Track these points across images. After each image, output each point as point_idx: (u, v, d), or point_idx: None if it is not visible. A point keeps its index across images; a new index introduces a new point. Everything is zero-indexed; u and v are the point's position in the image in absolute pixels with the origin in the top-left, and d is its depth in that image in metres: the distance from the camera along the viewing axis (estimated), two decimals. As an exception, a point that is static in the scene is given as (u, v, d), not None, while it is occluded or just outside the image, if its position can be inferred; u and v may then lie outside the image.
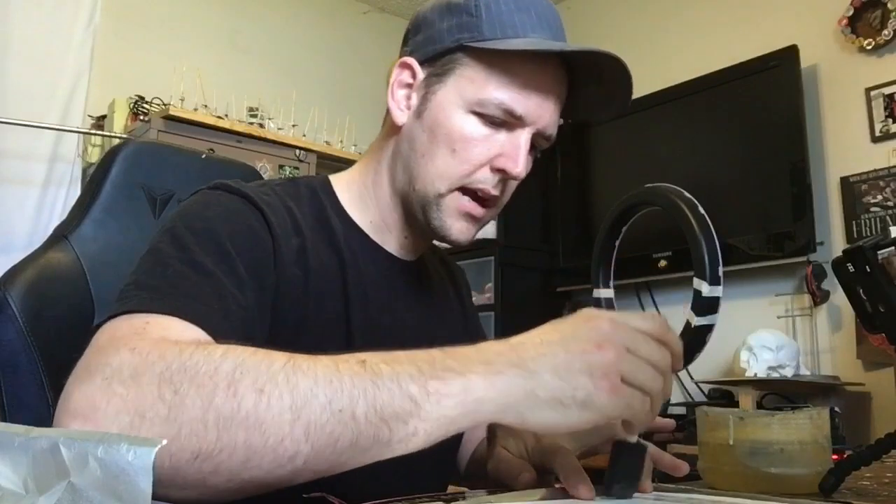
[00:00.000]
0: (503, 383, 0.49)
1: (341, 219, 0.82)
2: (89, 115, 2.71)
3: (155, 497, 0.35)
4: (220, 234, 0.68)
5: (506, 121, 0.76)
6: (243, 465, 0.45)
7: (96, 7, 2.68)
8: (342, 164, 3.15)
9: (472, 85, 0.76)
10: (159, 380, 0.47)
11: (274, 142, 2.87)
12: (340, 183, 0.86)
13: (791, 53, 2.47)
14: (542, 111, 0.76)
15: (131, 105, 2.70)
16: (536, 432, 0.71)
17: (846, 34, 2.49)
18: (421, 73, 0.80)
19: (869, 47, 2.44)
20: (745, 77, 2.58)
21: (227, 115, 2.81)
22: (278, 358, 0.48)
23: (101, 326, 0.58)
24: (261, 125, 2.89)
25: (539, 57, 0.76)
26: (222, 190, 0.75)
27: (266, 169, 2.77)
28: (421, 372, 0.48)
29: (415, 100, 0.80)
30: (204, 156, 1.17)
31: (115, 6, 2.81)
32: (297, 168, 2.91)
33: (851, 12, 2.49)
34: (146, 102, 2.70)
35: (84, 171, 2.66)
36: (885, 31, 2.41)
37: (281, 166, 2.87)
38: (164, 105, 2.67)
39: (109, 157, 1.04)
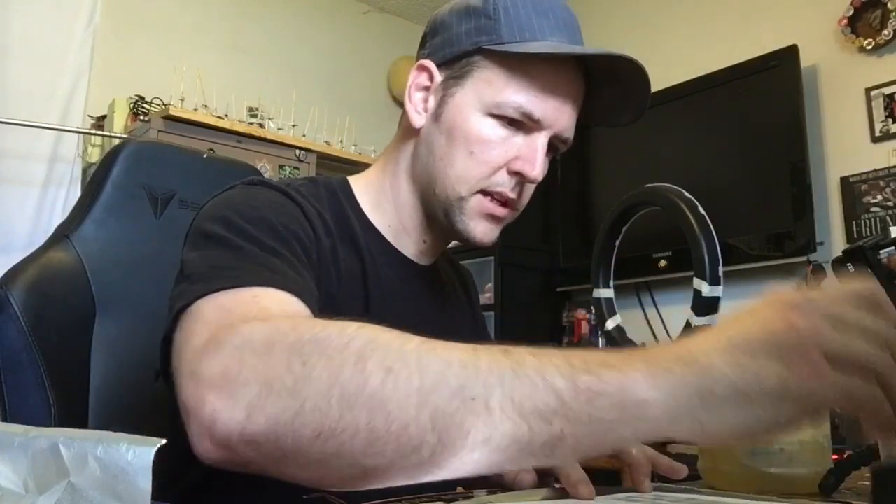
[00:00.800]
0: (670, 384, 0.40)
1: (360, 221, 0.82)
2: (89, 115, 2.71)
3: (157, 496, 0.35)
4: (273, 221, 0.68)
5: (523, 123, 0.76)
6: (365, 451, 0.41)
7: (96, 7, 2.68)
8: (342, 164, 3.16)
9: (490, 87, 0.76)
10: (290, 351, 0.44)
11: (274, 142, 2.87)
12: (359, 185, 0.85)
13: (791, 53, 2.47)
14: (559, 114, 0.76)
15: (131, 105, 2.70)
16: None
17: (846, 34, 2.49)
18: (438, 76, 0.80)
19: (869, 47, 2.44)
20: (745, 77, 2.58)
21: (227, 115, 2.81)
22: (413, 338, 0.44)
23: (191, 305, 0.55)
24: (261, 125, 2.89)
25: (557, 60, 0.76)
26: (261, 185, 0.75)
27: (266, 169, 2.77)
28: (571, 366, 0.41)
29: (432, 102, 0.80)
30: (205, 156, 1.17)
31: (115, 6, 2.81)
32: (297, 168, 2.91)
33: (851, 12, 2.49)
34: (146, 102, 2.70)
35: (84, 171, 2.66)
36: (885, 31, 2.41)
37: (281, 166, 2.87)
38: (164, 105, 2.67)
39: (110, 157, 1.04)
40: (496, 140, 0.76)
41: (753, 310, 0.42)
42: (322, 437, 0.41)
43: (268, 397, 0.43)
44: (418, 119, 0.81)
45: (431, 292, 0.88)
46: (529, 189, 0.80)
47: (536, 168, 0.76)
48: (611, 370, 0.41)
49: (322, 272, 0.72)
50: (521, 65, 0.75)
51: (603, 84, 0.80)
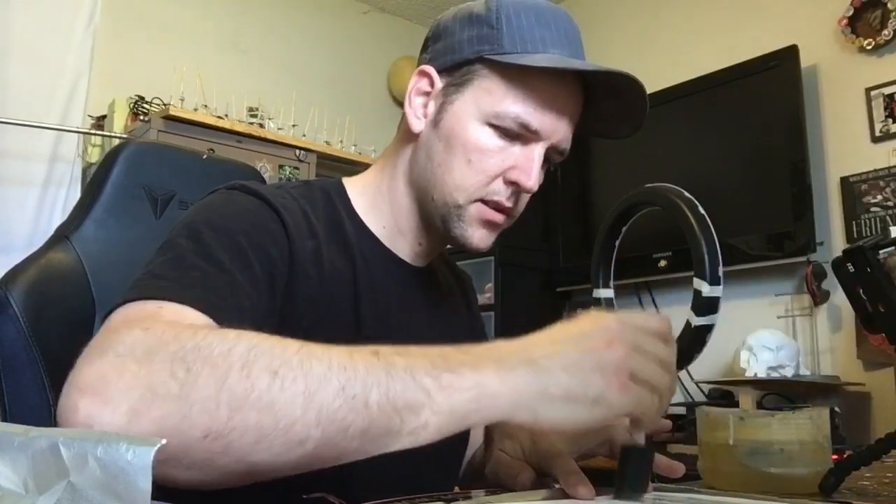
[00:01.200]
0: (516, 380, 0.49)
1: (354, 223, 0.82)
2: (89, 115, 2.71)
3: (157, 496, 0.35)
4: (237, 232, 0.69)
5: (521, 134, 0.76)
6: (253, 447, 0.45)
7: (96, 7, 2.68)
8: (342, 164, 3.15)
9: (489, 97, 0.76)
10: (173, 358, 0.47)
11: (274, 142, 2.87)
12: (354, 187, 0.86)
13: (791, 53, 2.47)
14: (557, 126, 0.77)
15: (131, 105, 2.69)
16: (546, 430, 0.71)
17: (846, 34, 2.49)
18: (439, 83, 0.80)
19: (869, 47, 2.44)
20: (745, 77, 2.58)
21: (227, 115, 2.81)
22: (292, 343, 0.48)
23: (114, 311, 0.58)
24: (261, 125, 2.89)
25: (556, 73, 0.76)
26: (240, 190, 0.76)
27: (266, 169, 2.77)
28: (434, 365, 0.48)
29: (432, 108, 0.80)
30: (205, 156, 1.17)
31: (115, 6, 2.81)
32: (297, 168, 2.91)
33: (851, 12, 2.49)
34: (146, 102, 2.70)
35: (84, 171, 2.66)
36: (885, 31, 2.41)
37: (281, 166, 2.87)
38: (164, 105, 2.67)
39: (111, 158, 1.04)
40: (493, 149, 0.77)
41: (582, 325, 0.53)
42: (210, 437, 0.44)
43: (152, 402, 0.45)
44: (417, 124, 0.81)
45: (426, 294, 0.88)
46: (525, 199, 0.81)
47: (532, 179, 0.77)
48: (468, 368, 0.48)
49: (299, 276, 0.72)
50: (521, 76, 0.76)
51: (601, 97, 0.80)
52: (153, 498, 0.34)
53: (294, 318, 0.71)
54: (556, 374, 0.50)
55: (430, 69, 0.81)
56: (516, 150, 0.77)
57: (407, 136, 0.83)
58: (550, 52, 0.76)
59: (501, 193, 0.78)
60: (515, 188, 0.78)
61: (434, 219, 0.81)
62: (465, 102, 0.78)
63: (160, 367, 0.46)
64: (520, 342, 0.52)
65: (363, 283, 0.78)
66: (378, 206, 0.84)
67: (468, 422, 0.48)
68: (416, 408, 0.47)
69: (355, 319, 0.77)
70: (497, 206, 0.79)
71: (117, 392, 0.45)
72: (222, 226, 0.69)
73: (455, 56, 0.79)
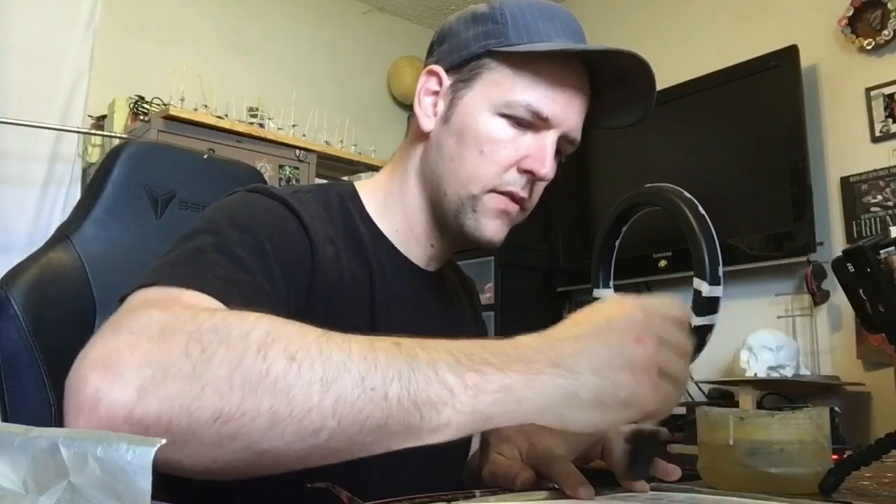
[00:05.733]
0: (543, 384, 0.47)
1: (368, 227, 0.82)
2: (89, 115, 2.71)
3: (157, 496, 0.35)
4: (258, 232, 0.68)
5: (532, 123, 0.77)
6: (264, 433, 0.43)
7: (96, 7, 2.68)
8: (342, 164, 3.16)
9: (499, 88, 0.77)
10: (188, 338, 0.45)
11: (274, 142, 2.87)
12: (366, 190, 0.86)
13: (791, 53, 2.47)
14: (567, 113, 0.77)
15: (131, 105, 2.69)
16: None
17: (846, 34, 2.49)
18: (447, 80, 0.81)
19: (869, 47, 2.44)
20: (745, 77, 2.58)
21: (227, 115, 2.81)
22: (312, 330, 0.47)
23: (131, 294, 0.57)
24: (261, 125, 2.89)
25: (564, 60, 0.77)
26: (261, 193, 0.76)
27: (266, 169, 2.77)
28: (458, 362, 0.46)
29: (441, 106, 0.81)
30: (205, 156, 1.17)
31: (115, 6, 2.81)
32: (297, 168, 2.91)
33: (851, 12, 2.49)
34: (146, 102, 2.70)
35: (84, 171, 2.66)
36: (885, 31, 2.41)
37: (281, 166, 2.87)
38: (164, 105, 2.67)
39: (111, 158, 1.04)
40: (506, 139, 0.77)
41: (607, 317, 0.50)
42: (221, 420, 0.43)
43: (163, 380, 0.43)
44: (427, 123, 0.81)
45: (437, 298, 0.88)
46: (539, 189, 0.81)
47: (546, 166, 0.77)
48: (493, 368, 0.46)
49: (319, 280, 0.72)
50: (528, 64, 0.76)
51: (608, 85, 0.80)
52: (153, 498, 0.34)
53: (311, 321, 0.71)
54: (585, 376, 0.47)
55: (438, 68, 0.81)
56: (528, 139, 0.77)
57: (417, 136, 0.84)
58: (556, 42, 0.77)
59: (516, 183, 0.78)
60: (530, 177, 0.78)
61: (447, 215, 0.80)
62: (475, 96, 0.78)
63: (174, 346, 0.45)
64: (545, 339, 0.49)
65: (379, 288, 0.78)
66: (390, 209, 0.84)
67: (491, 424, 0.46)
68: (437, 405, 0.45)
69: (371, 324, 0.77)
70: (511, 196, 0.78)
71: (128, 368, 0.44)
72: (245, 226, 0.68)
73: (462, 53, 0.80)
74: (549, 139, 0.77)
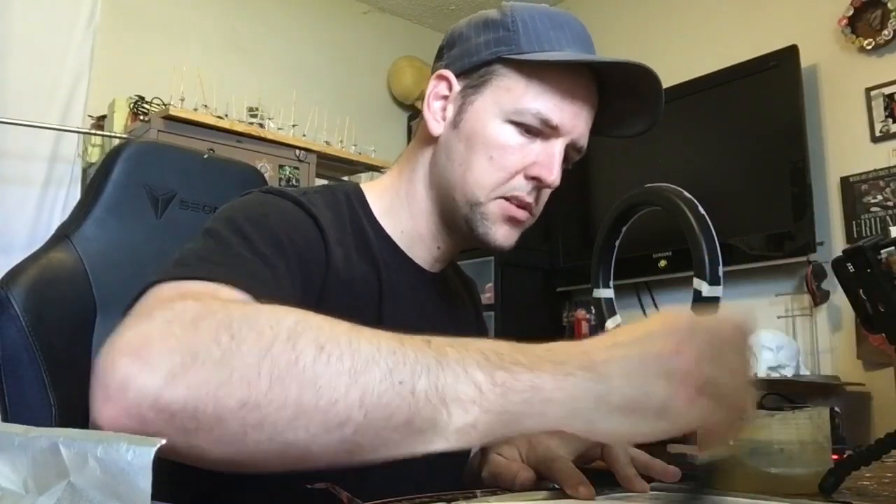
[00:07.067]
0: (573, 385, 0.45)
1: (374, 228, 0.83)
2: (89, 115, 2.71)
3: (157, 496, 0.35)
4: (277, 230, 0.69)
5: (541, 130, 0.78)
6: (289, 423, 0.43)
7: (96, 7, 2.68)
8: (342, 164, 3.16)
9: (509, 95, 0.77)
10: (218, 325, 0.45)
11: (274, 142, 2.87)
12: (373, 192, 0.86)
13: (791, 53, 2.47)
14: (576, 122, 0.78)
15: (131, 105, 2.69)
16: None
17: (846, 34, 2.49)
18: (457, 85, 0.81)
19: (869, 47, 2.44)
20: (745, 77, 2.58)
21: (227, 115, 2.81)
22: (342, 322, 0.47)
23: (156, 285, 0.56)
24: (261, 125, 2.89)
25: (574, 69, 0.78)
26: (275, 194, 0.76)
27: (266, 169, 2.77)
28: (488, 360, 0.45)
29: (451, 111, 0.81)
30: (206, 156, 1.17)
31: (115, 6, 2.81)
32: (297, 168, 2.91)
33: (851, 12, 2.49)
34: (146, 102, 2.70)
35: (84, 171, 2.66)
36: (885, 31, 2.41)
37: (281, 166, 2.87)
38: (164, 105, 2.67)
39: (111, 158, 1.04)
40: (515, 146, 0.78)
41: (649, 325, 0.47)
42: (247, 407, 0.42)
43: (191, 366, 0.43)
44: (437, 127, 0.82)
45: (441, 299, 0.89)
46: (545, 195, 0.82)
47: (554, 173, 0.78)
48: (523, 368, 0.45)
49: (332, 279, 0.73)
50: (539, 73, 0.77)
51: (616, 95, 0.81)
52: (153, 498, 0.34)
53: None
54: (615, 380, 0.45)
55: (448, 73, 0.82)
56: (537, 146, 0.78)
57: (425, 139, 0.84)
58: (566, 51, 0.78)
59: (522, 189, 0.79)
60: (537, 184, 0.79)
61: (457, 219, 0.81)
62: (485, 102, 0.79)
63: (205, 334, 0.45)
64: (580, 344, 0.48)
65: (386, 288, 0.79)
66: (397, 211, 0.85)
67: (518, 427, 0.45)
68: (465, 403, 0.44)
69: (378, 323, 0.76)
70: (518, 203, 0.79)
71: (158, 354, 0.44)
72: (263, 224, 0.69)
73: (472, 59, 0.80)
74: (557, 147, 0.78)
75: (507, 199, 0.79)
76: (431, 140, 0.83)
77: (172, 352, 0.44)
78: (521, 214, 0.80)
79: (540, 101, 0.77)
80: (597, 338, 0.49)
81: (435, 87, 0.82)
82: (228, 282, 0.56)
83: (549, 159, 0.77)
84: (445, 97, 0.82)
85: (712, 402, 0.46)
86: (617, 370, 0.45)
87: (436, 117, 0.82)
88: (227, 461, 0.44)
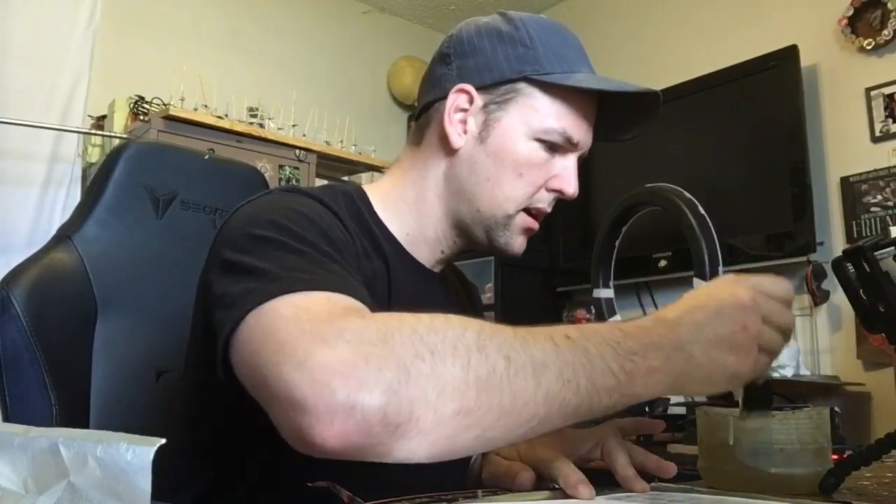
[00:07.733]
0: (671, 367, 0.56)
1: (379, 227, 0.84)
2: (89, 115, 2.71)
3: (157, 496, 0.35)
4: (322, 227, 0.70)
5: (560, 146, 0.82)
6: (492, 424, 0.50)
7: (96, 7, 2.67)
8: (342, 164, 3.15)
9: (536, 114, 0.81)
10: (411, 341, 0.50)
11: (274, 142, 2.86)
12: (375, 193, 0.87)
13: (791, 53, 2.46)
14: (588, 136, 0.85)
15: (131, 105, 2.69)
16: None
17: (846, 34, 2.49)
18: (479, 100, 0.82)
19: (869, 47, 2.44)
20: (745, 77, 2.58)
21: (227, 115, 2.81)
22: (503, 327, 0.53)
23: (264, 304, 0.55)
24: (261, 125, 2.89)
25: (592, 91, 0.83)
26: (297, 193, 0.77)
27: (266, 169, 2.77)
28: (616, 352, 0.54)
29: (472, 125, 0.83)
30: (206, 156, 1.17)
31: (115, 6, 2.81)
32: (297, 168, 2.91)
33: (851, 12, 2.49)
34: (146, 102, 2.70)
35: (84, 171, 2.66)
36: (885, 31, 2.41)
37: (281, 166, 2.87)
38: (164, 105, 2.67)
39: (112, 158, 1.04)
40: (540, 162, 0.82)
41: (718, 301, 0.60)
42: (461, 414, 0.49)
43: (407, 381, 0.48)
44: (459, 140, 0.83)
45: (444, 298, 0.90)
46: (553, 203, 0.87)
47: (573, 186, 0.83)
48: (639, 357, 0.55)
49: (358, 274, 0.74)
50: (563, 94, 0.81)
51: (613, 106, 0.85)
52: (153, 498, 0.35)
53: None
54: (699, 359, 0.57)
55: (470, 87, 0.82)
56: (557, 161, 0.83)
57: (439, 149, 0.85)
58: (581, 71, 0.82)
59: (545, 201, 0.84)
60: (557, 195, 0.84)
61: (474, 229, 0.84)
62: (513, 120, 0.81)
63: (403, 350, 0.49)
64: (667, 322, 0.58)
65: (395, 284, 0.81)
66: (402, 213, 0.86)
67: (637, 400, 0.56)
68: (610, 391, 0.54)
69: None
70: (539, 213, 0.85)
71: (368, 374, 0.47)
72: (306, 223, 0.69)
73: (494, 75, 0.82)
74: (574, 160, 0.84)
75: (528, 210, 0.83)
76: (450, 151, 0.84)
77: (382, 369, 0.48)
78: (536, 225, 0.85)
79: (564, 121, 0.81)
80: (678, 309, 0.59)
81: (456, 101, 0.83)
82: (335, 289, 0.58)
83: (568, 173, 0.83)
84: (465, 110, 0.83)
85: (766, 355, 0.60)
86: (699, 350, 0.57)
87: (458, 131, 0.83)
88: (432, 457, 0.50)
